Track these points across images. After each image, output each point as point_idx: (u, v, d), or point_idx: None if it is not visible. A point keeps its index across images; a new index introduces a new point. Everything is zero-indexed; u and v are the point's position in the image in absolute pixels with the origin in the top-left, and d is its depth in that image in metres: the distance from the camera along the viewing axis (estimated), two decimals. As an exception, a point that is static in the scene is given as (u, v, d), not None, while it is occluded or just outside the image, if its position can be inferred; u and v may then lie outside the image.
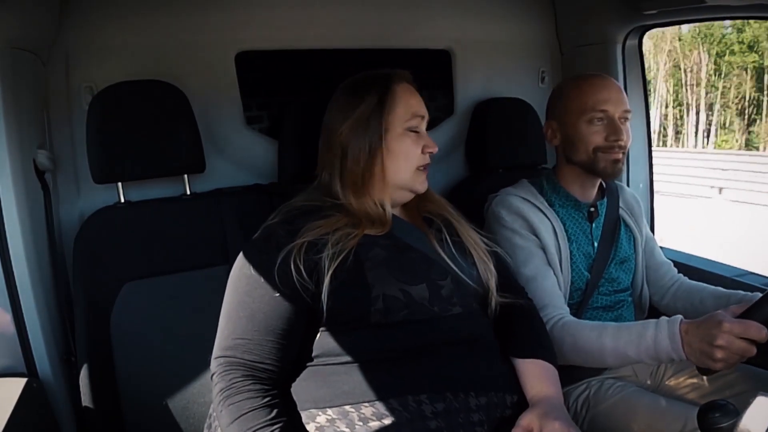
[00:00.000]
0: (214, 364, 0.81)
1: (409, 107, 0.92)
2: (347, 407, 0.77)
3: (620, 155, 1.11)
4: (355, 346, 0.81)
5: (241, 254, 0.85)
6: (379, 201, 0.90)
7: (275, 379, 0.80)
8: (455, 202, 1.04)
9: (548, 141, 1.20)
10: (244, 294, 0.82)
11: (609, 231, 1.19)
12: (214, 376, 0.80)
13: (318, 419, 0.77)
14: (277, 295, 0.80)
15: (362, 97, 0.91)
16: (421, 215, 0.98)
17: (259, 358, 0.79)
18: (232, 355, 0.80)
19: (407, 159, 0.91)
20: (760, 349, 0.84)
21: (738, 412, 0.70)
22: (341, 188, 0.91)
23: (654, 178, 1.68)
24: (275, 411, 0.76)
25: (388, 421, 0.75)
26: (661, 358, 0.92)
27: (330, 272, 0.80)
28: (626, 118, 1.12)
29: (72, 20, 1.16)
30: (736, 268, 1.38)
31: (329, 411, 0.77)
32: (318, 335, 0.83)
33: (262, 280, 0.81)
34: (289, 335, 0.81)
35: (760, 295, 0.96)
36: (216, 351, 0.82)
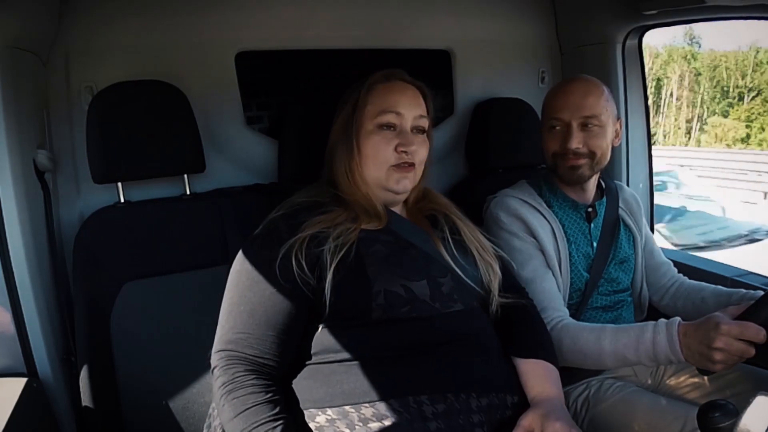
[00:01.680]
0: (215, 358, 0.81)
1: (380, 104, 0.90)
2: (347, 407, 0.77)
3: (579, 161, 1.11)
4: (356, 343, 0.81)
5: (242, 249, 0.86)
6: (371, 196, 0.91)
7: (275, 374, 0.80)
8: (455, 202, 1.04)
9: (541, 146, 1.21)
10: (245, 288, 0.82)
11: (608, 231, 1.19)
12: (215, 370, 0.80)
13: (318, 419, 0.77)
14: (278, 289, 0.80)
15: (348, 96, 0.94)
16: (424, 214, 0.98)
17: (260, 353, 0.80)
18: (233, 349, 0.80)
19: (375, 157, 0.90)
20: (759, 350, 0.84)
21: (738, 412, 0.70)
22: (339, 180, 0.93)
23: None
24: (278, 407, 0.76)
25: (388, 422, 0.75)
26: (659, 360, 0.92)
27: (332, 267, 0.80)
28: (587, 124, 1.10)
29: (72, 20, 1.16)
30: (736, 268, 1.38)
31: (329, 411, 0.77)
32: (318, 331, 0.83)
33: (263, 274, 0.81)
34: (289, 330, 0.81)
35: (761, 293, 0.97)
36: (217, 345, 0.82)
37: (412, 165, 0.91)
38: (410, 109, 0.91)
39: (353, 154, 0.91)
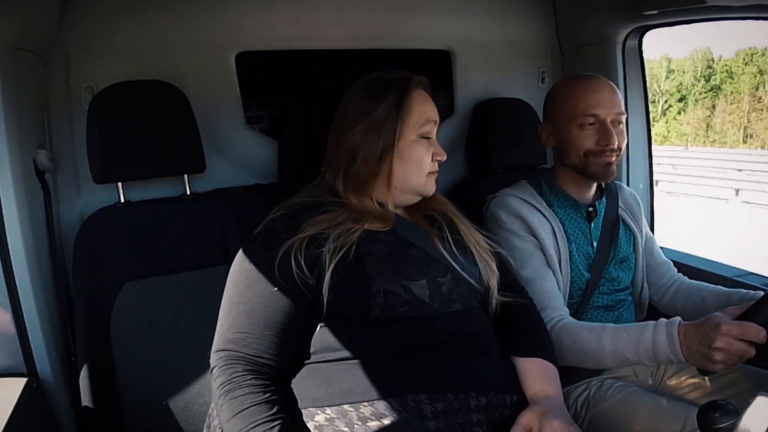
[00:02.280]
0: (214, 358, 0.81)
1: (423, 113, 0.92)
2: (346, 406, 0.77)
3: (612, 158, 1.11)
4: (355, 343, 0.81)
5: (241, 249, 0.85)
6: (380, 202, 0.91)
7: (274, 374, 0.80)
8: (455, 202, 1.04)
9: (542, 143, 1.20)
10: (244, 288, 0.82)
11: (608, 231, 1.19)
12: (214, 370, 0.80)
13: (317, 418, 0.77)
14: (277, 289, 0.80)
15: (380, 100, 0.90)
16: (423, 213, 0.98)
17: (259, 353, 0.79)
18: (232, 348, 0.80)
19: (419, 166, 0.92)
20: (759, 350, 0.84)
21: (738, 412, 0.70)
22: (343, 187, 0.91)
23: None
24: (276, 407, 0.76)
25: (387, 421, 0.75)
26: (659, 360, 0.92)
27: (331, 267, 0.80)
28: (619, 121, 1.11)
29: (72, 20, 1.16)
30: (736, 268, 1.38)
31: (328, 410, 0.77)
32: (317, 330, 0.83)
33: (263, 274, 0.81)
34: (288, 330, 0.81)
35: (761, 293, 0.96)
36: (216, 344, 0.82)
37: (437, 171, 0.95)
38: (437, 117, 0.96)
39: (388, 159, 0.90)
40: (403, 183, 0.92)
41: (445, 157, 0.94)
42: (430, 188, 0.95)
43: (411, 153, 0.91)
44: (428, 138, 0.93)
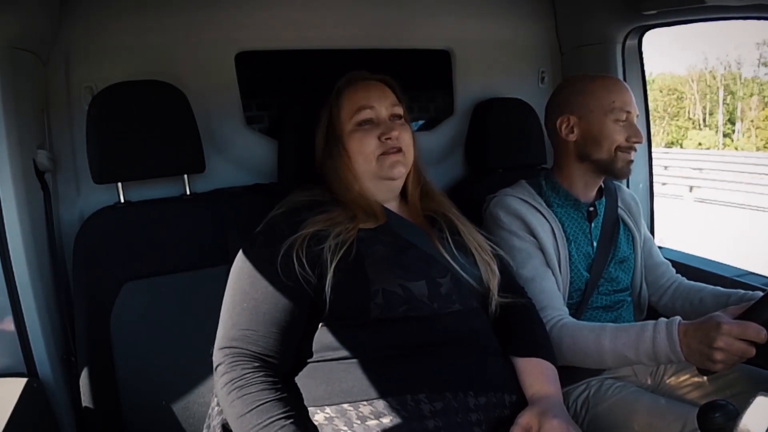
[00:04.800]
0: (219, 355, 0.81)
1: (354, 102, 0.94)
2: (345, 405, 0.77)
3: (633, 156, 1.14)
4: (354, 342, 0.81)
5: (243, 247, 0.86)
6: (366, 194, 0.93)
7: (279, 372, 0.81)
8: (455, 202, 1.04)
9: (562, 136, 1.16)
10: (247, 286, 0.82)
11: (608, 231, 1.19)
12: (219, 367, 0.80)
13: (316, 417, 0.77)
14: (280, 287, 0.81)
15: (321, 108, 0.98)
16: (424, 214, 0.99)
17: (264, 350, 0.80)
18: (238, 346, 0.80)
19: (363, 153, 0.93)
20: (759, 350, 0.84)
21: (738, 412, 0.70)
22: (333, 186, 0.94)
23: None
24: (289, 405, 0.76)
25: (386, 420, 0.75)
26: (659, 360, 0.92)
27: (333, 266, 0.81)
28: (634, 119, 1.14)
29: (72, 20, 1.16)
30: (735, 268, 1.38)
31: (327, 409, 0.77)
32: (317, 330, 0.83)
33: (265, 272, 0.82)
34: (291, 327, 0.81)
35: (760, 293, 0.96)
36: (220, 342, 0.82)
37: (399, 150, 0.93)
38: (381, 100, 0.95)
39: (341, 156, 0.93)
40: (363, 173, 0.94)
41: (395, 134, 0.92)
42: (391, 169, 0.92)
43: (352, 144, 0.93)
44: (369, 122, 0.94)
